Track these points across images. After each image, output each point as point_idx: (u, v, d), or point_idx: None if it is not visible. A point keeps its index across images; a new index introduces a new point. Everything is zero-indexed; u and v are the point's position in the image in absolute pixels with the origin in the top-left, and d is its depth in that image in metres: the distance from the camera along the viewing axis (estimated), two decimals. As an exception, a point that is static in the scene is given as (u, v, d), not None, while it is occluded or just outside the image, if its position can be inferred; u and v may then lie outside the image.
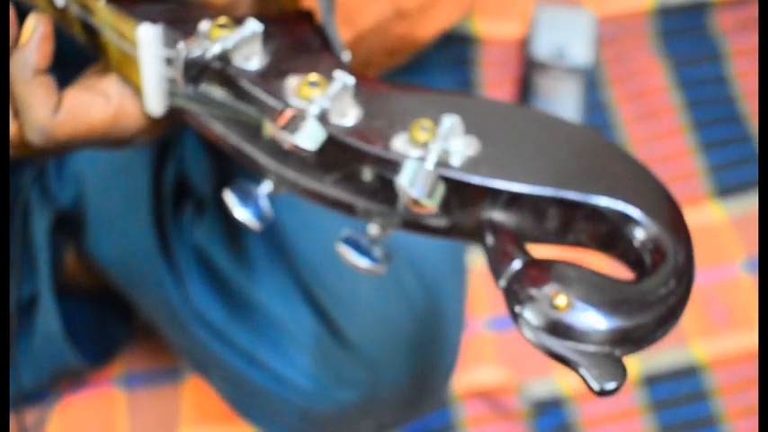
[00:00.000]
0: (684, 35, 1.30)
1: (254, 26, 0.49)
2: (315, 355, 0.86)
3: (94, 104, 0.55)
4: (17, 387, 1.01)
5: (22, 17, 0.55)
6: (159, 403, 1.13)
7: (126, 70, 0.55)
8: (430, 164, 0.44)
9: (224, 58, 0.49)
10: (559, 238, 0.48)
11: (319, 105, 0.46)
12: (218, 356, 0.91)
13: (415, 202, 0.44)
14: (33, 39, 0.53)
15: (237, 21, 0.50)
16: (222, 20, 0.50)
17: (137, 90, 0.55)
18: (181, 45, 0.48)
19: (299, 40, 0.52)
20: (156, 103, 0.54)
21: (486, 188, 0.46)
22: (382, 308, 0.86)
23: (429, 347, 0.87)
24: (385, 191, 0.49)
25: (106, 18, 0.54)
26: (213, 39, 0.49)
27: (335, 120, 0.47)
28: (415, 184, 0.44)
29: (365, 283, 0.86)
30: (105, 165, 0.96)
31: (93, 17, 0.55)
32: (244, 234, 0.89)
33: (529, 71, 1.23)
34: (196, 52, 0.48)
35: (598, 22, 1.26)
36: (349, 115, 0.47)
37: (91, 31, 0.57)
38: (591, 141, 0.48)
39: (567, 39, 1.21)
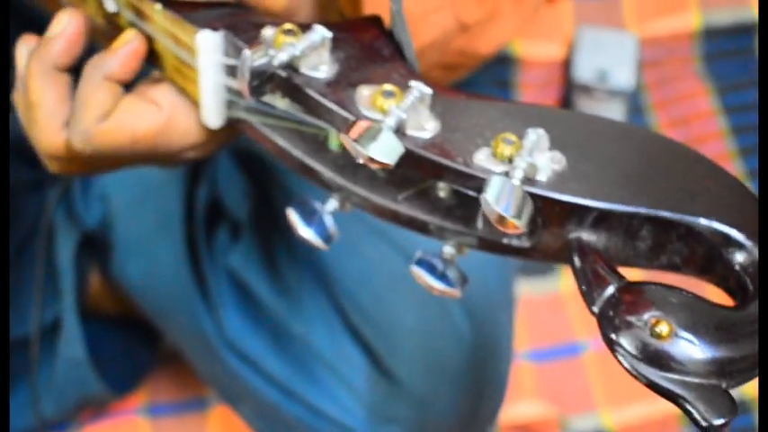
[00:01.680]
0: (730, 58, 1.27)
1: (322, 32, 0.46)
2: (358, 390, 0.82)
3: (143, 113, 0.52)
4: (38, 416, 0.97)
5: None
6: (184, 433, 1.09)
7: (181, 79, 0.52)
8: (517, 180, 0.41)
9: (291, 66, 0.46)
10: (650, 260, 0.44)
11: (396, 117, 0.43)
12: (251, 387, 0.88)
13: (502, 222, 0.40)
14: (121, 51, 0.52)
15: (303, 27, 0.47)
16: (288, 26, 0.47)
17: (192, 100, 0.52)
18: (246, 53, 0.45)
19: (369, 48, 0.48)
20: (213, 114, 0.51)
21: (575, 206, 0.42)
22: (429, 340, 0.82)
23: (477, 382, 0.83)
24: (461, 208, 0.46)
25: (162, 24, 0.51)
26: (279, 46, 0.46)
27: (412, 132, 0.44)
28: (501, 201, 0.40)
29: (410, 315, 0.82)
30: (134, 185, 0.94)
31: (147, 23, 0.52)
32: (282, 260, 0.86)
33: (570, 93, 1.20)
34: (262, 60, 0.45)
35: (641, 44, 1.23)
36: (426, 128, 0.44)
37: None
38: (683, 156, 0.45)
39: (610, 61, 1.19)
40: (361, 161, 0.42)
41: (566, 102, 1.22)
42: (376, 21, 0.51)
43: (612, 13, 1.26)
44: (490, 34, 0.68)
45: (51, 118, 0.54)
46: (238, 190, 0.91)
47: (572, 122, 0.45)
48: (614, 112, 1.18)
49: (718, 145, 1.24)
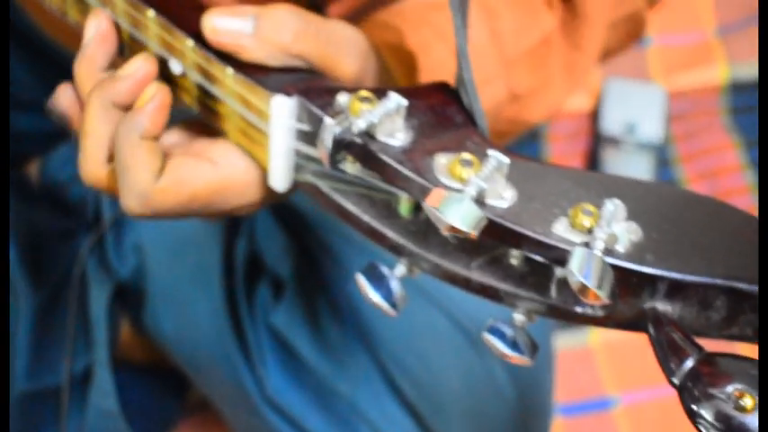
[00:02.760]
0: (757, 112, 1.27)
1: (398, 100, 0.46)
2: None
3: (198, 169, 0.53)
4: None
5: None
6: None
7: (247, 142, 0.53)
8: (598, 251, 0.41)
9: (367, 133, 0.46)
10: (722, 330, 0.44)
11: (477, 186, 0.43)
12: None
13: (585, 292, 0.41)
14: (149, 106, 0.52)
15: (377, 93, 0.47)
16: (364, 92, 0.47)
17: (259, 163, 0.53)
18: (329, 121, 0.45)
19: (441, 115, 0.49)
20: (282, 178, 0.52)
21: (653, 277, 0.43)
22: (472, 402, 0.81)
23: None
24: (534, 276, 0.46)
25: (233, 87, 0.52)
26: (356, 113, 0.46)
27: (491, 201, 0.44)
28: (584, 272, 0.40)
29: (454, 376, 0.81)
30: (170, 236, 0.93)
31: (216, 86, 0.53)
32: (326, 320, 0.85)
33: (597, 146, 1.21)
34: (341, 128, 0.45)
35: (669, 97, 1.24)
36: (504, 197, 0.44)
37: (208, 100, 0.54)
38: (748, 224, 0.45)
39: (638, 113, 1.19)
40: (442, 230, 0.42)
41: (593, 154, 1.22)
42: (444, 87, 0.51)
43: (639, 66, 1.26)
44: (541, 103, 0.68)
45: (98, 150, 0.54)
46: (279, 246, 0.91)
47: (640, 191, 0.46)
48: (642, 164, 1.19)
49: (746, 199, 1.23)
